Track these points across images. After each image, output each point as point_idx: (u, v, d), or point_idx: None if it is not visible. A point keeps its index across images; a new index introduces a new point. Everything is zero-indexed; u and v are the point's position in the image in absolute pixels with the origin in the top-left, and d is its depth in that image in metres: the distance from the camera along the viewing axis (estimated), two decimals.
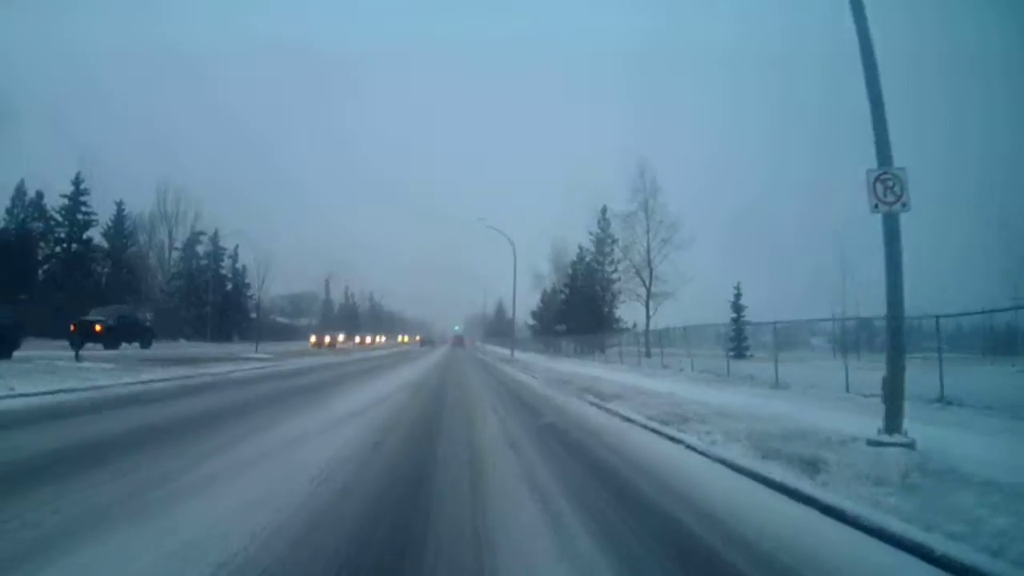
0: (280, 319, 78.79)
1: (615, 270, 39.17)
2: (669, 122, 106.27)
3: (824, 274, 39.13)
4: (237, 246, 57.86)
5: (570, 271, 46.15)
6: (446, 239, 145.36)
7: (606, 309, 39.25)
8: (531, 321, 61.34)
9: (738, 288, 38.00)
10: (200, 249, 52.70)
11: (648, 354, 28.34)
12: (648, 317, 33.32)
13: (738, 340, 29.91)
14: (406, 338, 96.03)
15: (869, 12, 5.87)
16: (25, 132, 67.30)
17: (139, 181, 58.38)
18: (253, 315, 69.23)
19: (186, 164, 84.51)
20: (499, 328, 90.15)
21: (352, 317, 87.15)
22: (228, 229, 54.55)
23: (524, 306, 59.69)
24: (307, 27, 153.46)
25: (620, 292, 38.16)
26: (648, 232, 34.38)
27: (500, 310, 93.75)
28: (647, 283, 34.73)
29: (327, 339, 47.39)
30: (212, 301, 50.11)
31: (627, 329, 37.34)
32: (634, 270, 34.92)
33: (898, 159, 5.80)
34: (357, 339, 64.07)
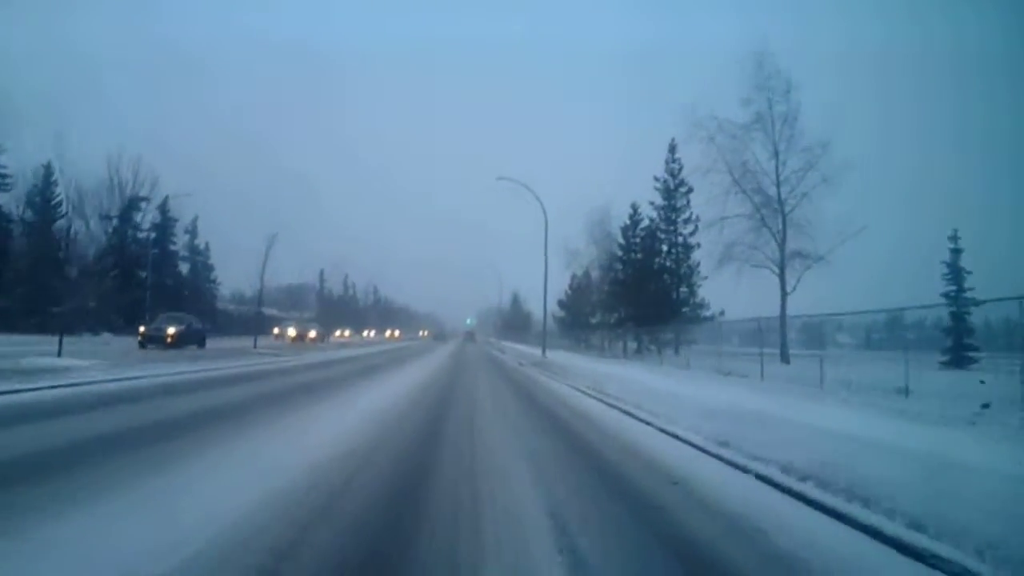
0: (270, 311, 69.42)
1: (694, 230, 26.53)
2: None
3: None
4: (196, 218, 47.11)
5: (621, 240, 32.75)
6: (459, 233, 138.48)
7: (683, 288, 26.83)
8: (558, 312, 49.63)
9: (955, 241, 22.28)
10: (144, 220, 41.60)
11: (784, 357, 16.55)
12: (784, 294, 20.37)
13: (957, 335, 17.42)
14: (396, 333, 78.04)
15: None
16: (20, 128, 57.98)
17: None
18: (233, 306, 59.27)
19: (182, 162, 76.63)
20: (515, 322, 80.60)
21: (342, 309, 76.08)
22: (197, 208, 44.25)
23: (549, 295, 48.29)
24: (306, 29, 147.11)
25: (699, 264, 25.59)
26: (777, 156, 20.90)
27: (516, 302, 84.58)
28: (779, 237, 20.75)
29: (171, 331, 22.17)
30: (151, 283, 39.00)
31: (710, 318, 25.34)
32: (759, 215, 21.10)
33: None
34: (313, 333, 38.78)
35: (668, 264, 27.94)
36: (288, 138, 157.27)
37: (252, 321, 52.29)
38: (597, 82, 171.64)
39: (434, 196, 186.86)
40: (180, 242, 45.30)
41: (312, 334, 36.88)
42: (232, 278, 63.96)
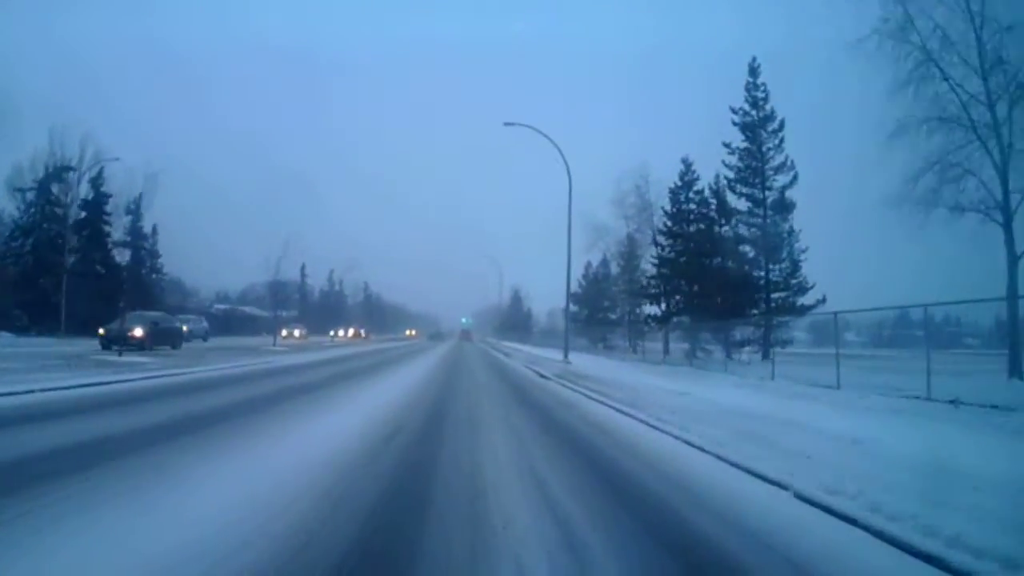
0: (248, 309, 62.12)
1: (793, 179, 18.72)
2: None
3: None
4: (140, 196, 38.74)
5: (670, 206, 23.80)
6: (458, 233, 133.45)
7: (773, 265, 18.70)
8: (572, 307, 42.18)
9: None
10: (65, 194, 33.71)
11: (1017, 368, 8.93)
12: (1013, 256, 11.67)
13: None
14: (362, 332, 64.01)
15: None
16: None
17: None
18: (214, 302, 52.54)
19: (180, 160, 71.30)
20: (515, 321, 73.49)
21: (329, 307, 68.59)
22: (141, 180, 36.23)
23: (552, 291, 41.34)
24: (296, 26, 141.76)
25: (799, 234, 17.54)
26: (978, 36, 12.25)
27: (516, 299, 77.93)
28: (999, 157, 12.11)
29: None
30: (74, 271, 31.30)
31: (811, 307, 17.69)
32: (967, 119, 12.37)
33: None
34: (139, 331, 19.60)
35: (749, 232, 20.01)
36: (282, 136, 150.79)
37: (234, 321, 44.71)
38: (615, 59, 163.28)
39: (433, 196, 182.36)
40: (119, 224, 37.27)
41: (138, 332, 20.18)
42: (222, 279, 59.24)
